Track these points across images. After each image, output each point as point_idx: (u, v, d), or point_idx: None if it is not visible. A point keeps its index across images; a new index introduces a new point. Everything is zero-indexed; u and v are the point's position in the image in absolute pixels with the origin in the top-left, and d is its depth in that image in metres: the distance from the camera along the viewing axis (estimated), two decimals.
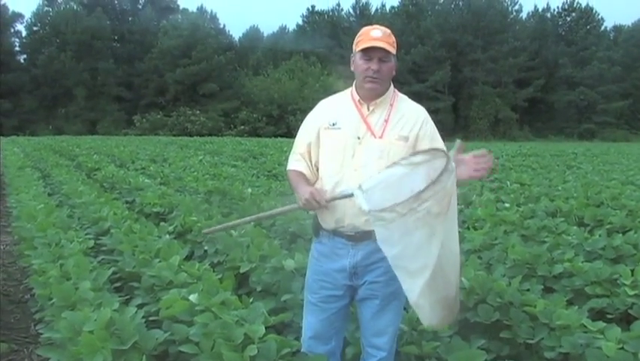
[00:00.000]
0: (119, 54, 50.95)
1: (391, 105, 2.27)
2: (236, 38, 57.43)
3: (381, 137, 2.22)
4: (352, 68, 2.30)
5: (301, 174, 2.32)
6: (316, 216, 2.34)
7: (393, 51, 2.20)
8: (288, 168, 2.40)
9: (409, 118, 2.26)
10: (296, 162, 2.35)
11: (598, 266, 3.64)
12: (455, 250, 2.06)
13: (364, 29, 2.25)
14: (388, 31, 2.22)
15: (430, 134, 2.26)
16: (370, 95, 2.26)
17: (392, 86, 2.32)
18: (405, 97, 2.35)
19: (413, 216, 1.88)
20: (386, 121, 2.24)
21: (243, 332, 2.34)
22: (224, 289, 2.97)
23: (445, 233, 1.96)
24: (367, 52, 2.19)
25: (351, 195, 2.10)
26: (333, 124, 2.27)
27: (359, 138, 2.23)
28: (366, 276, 2.28)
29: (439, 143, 2.27)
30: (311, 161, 2.34)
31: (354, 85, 2.33)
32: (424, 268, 1.96)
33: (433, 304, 2.07)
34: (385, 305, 2.29)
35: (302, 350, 2.41)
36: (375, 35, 2.18)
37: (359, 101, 2.28)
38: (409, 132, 2.23)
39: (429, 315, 2.11)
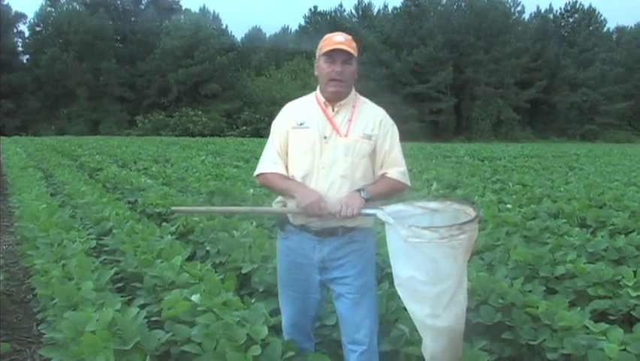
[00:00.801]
0: (122, 54, 51.02)
1: (354, 107, 2.41)
2: (239, 39, 57.50)
3: (346, 135, 2.34)
4: (316, 73, 2.42)
5: (285, 176, 2.38)
6: None
7: (356, 54, 2.34)
8: (265, 171, 2.42)
9: (370, 118, 2.40)
10: (274, 165, 2.41)
11: (600, 267, 3.64)
12: (464, 300, 2.17)
13: (327, 35, 2.39)
14: (350, 37, 2.37)
15: (386, 134, 2.38)
16: (335, 97, 2.38)
17: (354, 89, 2.44)
18: (366, 100, 2.49)
19: (450, 243, 1.95)
20: (350, 121, 2.37)
21: (245, 332, 2.35)
22: (226, 289, 2.98)
23: (461, 274, 2.07)
24: (331, 55, 2.32)
25: (373, 215, 2.22)
26: (301, 124, 2.38)
27: (325, 138, 2.34)
28: (335, 272, 2.39)
29: (396, 142, 2.40)
30: (284, 160, 2.42)
31: (318, 88, 2.44)
32: (444, 292, 2.05)
33: (438, 332, 2.14)
34: (359, 298, 2.39)
35: (284, 336, 2.57)
36: (338, 40, 2.32)
37: (324, 103, 2.40)
38: (371, 131, 2.37)
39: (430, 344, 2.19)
